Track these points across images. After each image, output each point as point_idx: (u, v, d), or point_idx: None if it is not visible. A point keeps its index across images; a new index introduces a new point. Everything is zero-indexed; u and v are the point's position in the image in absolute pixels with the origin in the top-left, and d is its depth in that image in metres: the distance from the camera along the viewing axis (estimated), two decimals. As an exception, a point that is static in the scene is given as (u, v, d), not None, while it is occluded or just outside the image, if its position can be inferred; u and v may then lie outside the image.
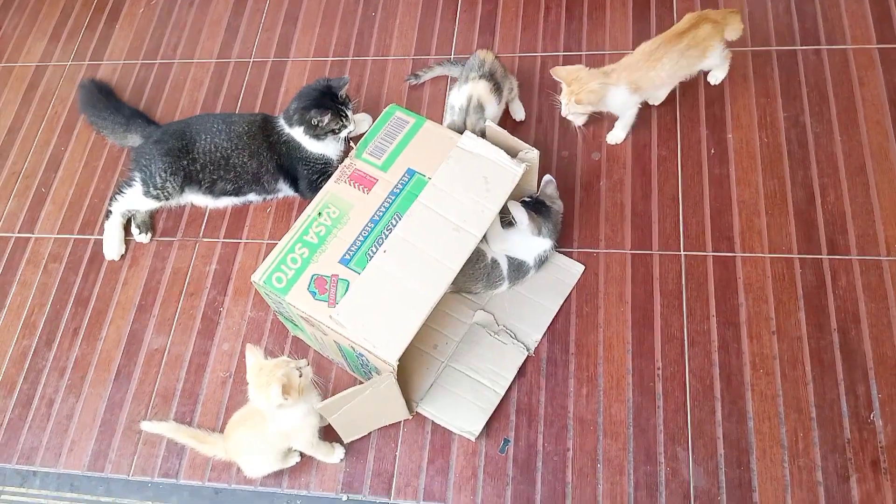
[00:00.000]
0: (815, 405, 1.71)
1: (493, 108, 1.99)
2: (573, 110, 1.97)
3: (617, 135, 2.10)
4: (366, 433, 1.82)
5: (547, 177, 1.91)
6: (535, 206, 1.85)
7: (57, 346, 2.06)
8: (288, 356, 1.59)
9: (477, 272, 1.84)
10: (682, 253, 1.93)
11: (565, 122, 2.16)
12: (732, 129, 2.08)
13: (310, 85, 2.08)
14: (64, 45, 2.65)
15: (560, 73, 1.96)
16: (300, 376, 1.55)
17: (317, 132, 2.02)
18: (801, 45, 2.17)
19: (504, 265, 1.85)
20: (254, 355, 1.58)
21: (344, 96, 2.04)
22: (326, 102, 2.00)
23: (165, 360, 1.99)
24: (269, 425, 1.61)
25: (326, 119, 1.99)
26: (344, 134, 2.07)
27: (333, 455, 1.77)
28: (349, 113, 2.04)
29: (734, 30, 1.97)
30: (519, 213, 1.81)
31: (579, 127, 2.09)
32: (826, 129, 2.04)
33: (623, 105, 2.00)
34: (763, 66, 2.16)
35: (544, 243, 1.88)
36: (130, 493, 1.85)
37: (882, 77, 2.09)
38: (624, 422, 1.75)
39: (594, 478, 1.71)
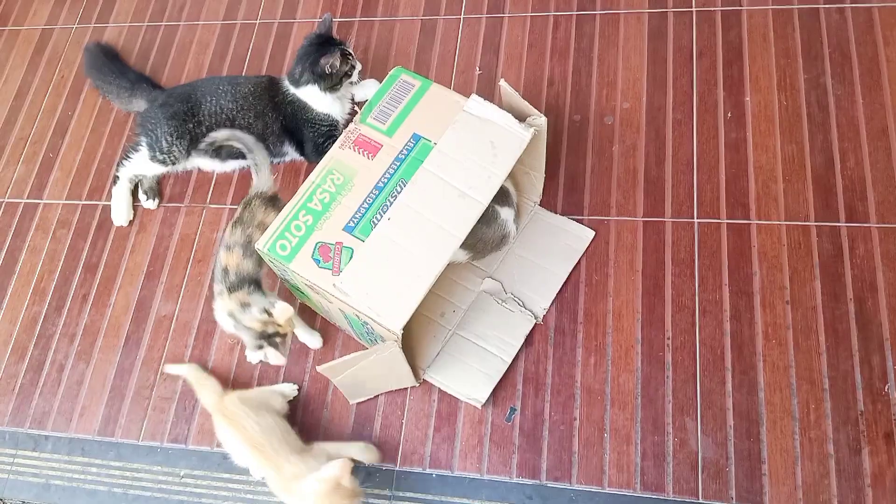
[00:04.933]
0: (829, 376, 1.68)
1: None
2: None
3: None
4: (371, 396, 1.82)
5: None
6: None
7: (67, 312, 2.07)
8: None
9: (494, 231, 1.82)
10: (696, 220, 1.88)
11: (578, 86, 2.10)
12: (751, 92, 2.01)
13: (302, 44, 2.02)
14: (70, 6, 2.61)
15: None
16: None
17: (333, 82, 1.99)
18: (824, 4, 2.08)
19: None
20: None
21: (337, 38, 2.00)
22: (328, 48, 1.97)
23: (174, 327, 1.99)
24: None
25: (338, 61, 1.95)
26: (355, 76, 2.03)
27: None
28: (351, 51, 2.01)
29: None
30: None
31: None
32: (848, 92, 1.97)
33: None
34: (783, 25, 2.08)
35: None
36: (140, 458, 1.87)
37: (909, 36, 2.00)
38: (632, 392, 1.73)
39: (601, 447, 1.70)
